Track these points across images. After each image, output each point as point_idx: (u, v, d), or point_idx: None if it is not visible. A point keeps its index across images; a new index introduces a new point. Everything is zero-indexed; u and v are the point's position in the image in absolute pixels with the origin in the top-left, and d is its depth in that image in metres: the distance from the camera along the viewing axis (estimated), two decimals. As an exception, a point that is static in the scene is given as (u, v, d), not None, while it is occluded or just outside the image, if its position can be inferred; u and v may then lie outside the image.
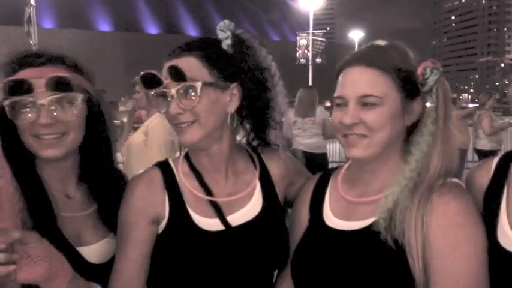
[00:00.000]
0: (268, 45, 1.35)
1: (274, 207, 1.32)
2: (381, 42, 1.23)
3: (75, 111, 1.16)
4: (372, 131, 1.13)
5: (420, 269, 1.07)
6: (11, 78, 1.12)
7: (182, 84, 1.10)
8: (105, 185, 1.28)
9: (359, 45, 29.66)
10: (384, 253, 1.11)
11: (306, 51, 22.59)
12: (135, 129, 3.91)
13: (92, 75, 1.25)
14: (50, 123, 1.14)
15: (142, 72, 1.13)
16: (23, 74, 1.13)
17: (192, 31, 37.17)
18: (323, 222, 1.24)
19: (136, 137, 3.53)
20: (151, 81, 1.15)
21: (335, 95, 1.18)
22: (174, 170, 1.29)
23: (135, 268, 1.21)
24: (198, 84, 1.17)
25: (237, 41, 1.21)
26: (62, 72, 1.15)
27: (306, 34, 22.83)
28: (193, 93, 1.17)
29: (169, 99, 1.12)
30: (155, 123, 3.40)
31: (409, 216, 1.11)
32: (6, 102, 1.11)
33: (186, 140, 1.21)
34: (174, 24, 36.51)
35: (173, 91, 1.10)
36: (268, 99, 1.31)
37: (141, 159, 3.37)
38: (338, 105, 1.19)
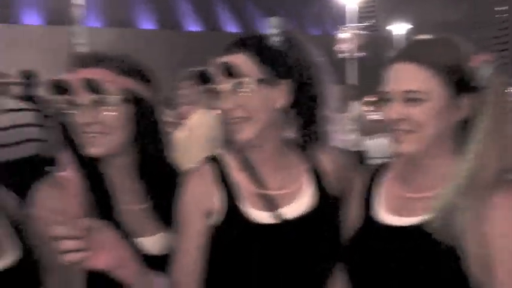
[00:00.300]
0: (308, 40, 1.36)
1: (326, 201, 1.33)
2: (427, 37, 1.21)
3: (113, 113, 1.22)
4: (417, 127, 1.12)
5: (476, 270, 1.05)
6: (53, 78, 1.20)
7: (234, 80, 1.10)
8: (160, 182, 1.32)
9: (403, 38, 28.88)
10: (437, 251, 1.09)
11: (348, 45, 22.22)
12: (179, 125, 3.98)
13: (147, 75, 1.29)
14: (88, 122, 1.20)
15: (197, 69, 1.16)
16: (70, 75, 1.21)
17: (231, 28, 37.33)
18: (375, 217, 1.23)
19: (180, 133, 3.59)
20: (205, 77, 1.19)
21: (382, 90, 1.19)
22: (225, 163, 1.31)
23: (192, 258, 1.25)
24: (250, 81, 1.19)
25: (286, 37, 1.22)
26: (102, 74, 1.21)
27: (347, 28, 22.48)
28: (245, 90, 1.19)
29: (221, 95, 1.12)
30: (197, 119, 3.45)
31: (465, 216, 1.09)
32: (57, 100, 1.19)
33: (241, 139, 1.23)
34: (214, 21, 36.78)
35: (226, 87, 1.11)
36: (317, 95, 1.32)
37: (185, 155, 3.43)
38: (385, 100, 1.19)
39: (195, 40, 30.86)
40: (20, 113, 4.62)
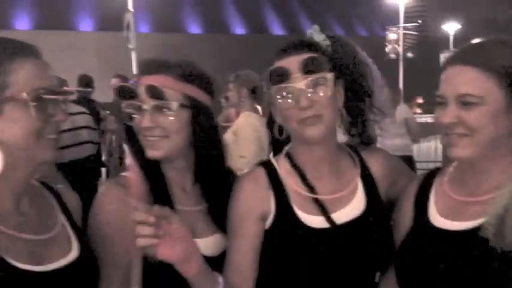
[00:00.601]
0: (355, 41, 1.37)
1: (377, 205, 1.33)
2: (482, 39, 1.19)
3: (172, 118, 1.27)
4: (472, 131, 1.10)
5: None
6: (119, 84, 1.27)
7: (314, 76, 1.12)
8: (215, 185, 1.36)
9: (454, 38, 27.94)
10: (490, 257, 1.07)
11: (396, 46, 21.75)
12: (225, 128, 4.04)
13: (206, 80, 1.33)
14: (150, 126, 1.26)
15: (271, 67, 1.19)
16: (141, 80, 1.28)
17: (277, 30, 37.35)
18: (428, 221, 1.22)
19: (227, 137, 3.64)
20: (280, 75, 1.20)
21: (436, 93, 1.17)
22: (277, 168, 1.33)
23: (246, 260, 1.28)
24: (330, 75, 1.21)
25: (334, 41, 1.25)
26: (164, 81, 1.27)
27: (396, 28, 22.00)
28: (323, 86, 1.20)
29: (296, 93, 1.14)
30: (242, 122, 3.49)
31: None
32: (122, 105, 1.27)
33: (313, 135, 1.24)
34: (260, 24, 36.93)
35: (302, 84, 1.11)
36: (368, 92, 1.32)
37: (232, 158, 3.47)
38: (439, 104, 1.17)
39: (241, 43, 31.13)
40: (79, 116, 4.85)
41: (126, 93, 1.28)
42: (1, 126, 1.06)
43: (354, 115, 1.34)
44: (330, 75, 1.21)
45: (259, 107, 3.75)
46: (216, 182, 1.39)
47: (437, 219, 1.22)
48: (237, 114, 3.76)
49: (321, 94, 1.21)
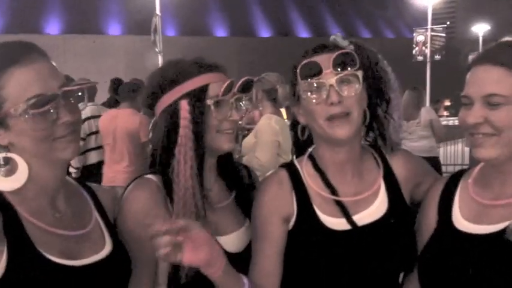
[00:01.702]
0: (382, 43, 1.37)
1: (400, 207, 1.32)
2: (509, 39, 1.17)
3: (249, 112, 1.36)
4: (499, 131, 1.09)
5: None
6: (205, 81, 1.33)
7: (345, 72, 1.13)
8: (239, 177, 1.43)
9: (483, 39, 27.36)
10: None
11: (423, 48, 21.44)
12: (248, 130, 4.06)
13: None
14: (237, 119, 1.34)
15: (303, 61, 1.19)
16: (208, 78, 1.32)
17: (303, 33, 37.28)
18: (452, 224, 1.20)
19: (248, 139, 3.66)
20: (310, 70, 1.21)
21: (462, 93, 1.16)
22: (300, 170, 1.34)
23: (271, 262, 1.28)
24: (360, 73, 1.21)
25: (356, 46, 1.24)
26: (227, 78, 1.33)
27: (423, 30, 21.69)
28: (354, 83, 1.21)
29: (326, 88, 1.15)
30: (262, 125, 3.50)
31: None
32: (208, 102, 1.32)
33: (342, 134, 1.25)
34: (286, 27, 36.93)
35: (332, 80, 1.12)
36: (389, 99, 1.32)
37: (252, 159, 3.49)
38: (465, 104, 1.16)
39: (267, 46, 31.18)
40: (93, 121, 4.94)
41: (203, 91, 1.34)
42: (14, 140, 1.09)
43: (376, 117, 1.34)
44: (360, 73, 1.22)
45: (282, 110, 3.75)
46: (235, 173, 1.45)
47: (461, 222, 1.20)
48: (261, 116, 3.78)
49: (351, 91, 1.21)
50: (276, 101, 3.58)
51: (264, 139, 3.48)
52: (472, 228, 1.17)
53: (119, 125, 4.53)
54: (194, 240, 1.08)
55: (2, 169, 1.11)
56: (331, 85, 1.20)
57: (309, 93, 1.24)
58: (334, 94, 1.20)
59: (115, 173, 4.53)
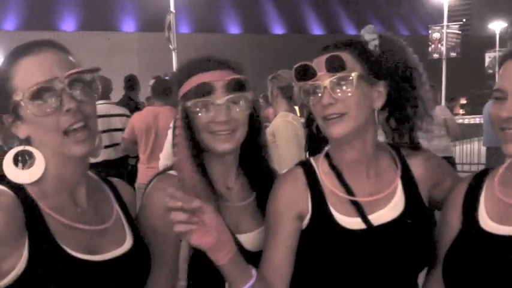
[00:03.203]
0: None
1: (418, 207, 1.30)
2: None
3: (244, 110, 1.31)
4: None
5: None
6: (195, 82, 1.30)
7: (338, 74, 1.13)
8: (262, 176, 1.38)
9: (500, 37, 26.96)
10: None
11: (439, 45, 21.22)
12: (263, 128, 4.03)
13: (248, 77, 1.37)
14: (226, 120, 1.29)
15: (296, 65, 1.20)
16: (204, 77, 1.31)
17: (317, 30, 37.14)
18: (478, 225, 1.18)
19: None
20: (304, 73, 1.21)
21: (495, 87, 1.14)
22: (315, 168, 1.33)
23: (282, 258, 1.28)
24: (354, 75, 1.20)
25: (384, 42, 1.22)
26: (233, 75, 1.31)
27: (439, 27, 21.46)
28: (347, 84, 1.21)
29: (320, 90, 1.15)
30: (279, 122, 3.46)
31: None
32: (189, 103, 1.30)
33: (336, 132, 1.24)
34: (299, 23, 36.83)
35: (326, 82, 1.13)
36: (414, 98, 1.30)
37: (273, 160, 3.45)
38: (497, 98, 1.13)
39: (281, 43, 31.15)
40: (116, 118, 4.98)
41: (200, 90, 1.31)
42: (30, 132, 1.10)
43: (398, 120, 1.32)
44: (354, 74, 1.20)
45: (296, 107, 3.73)
46: (261, 174, 1.42)
47: (487, 223, 1.18)
48: (275, 113, 3.76)
49: (345, 93, 1.20)
50: (291, 99, 3.56)
51: (285, 136, 3.42)
52: (499, 229, 1.15)
53: (161, 122, 4.52)
54: (205, 224, 1.09)
55: (27, 163, 1.12)
56: (325, 87, 1.20)
57: (305, 95, 1.25)
58: (327, 96, 1.20)
59: (155, 170, 4.54)
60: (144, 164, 4.66)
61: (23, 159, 1.13)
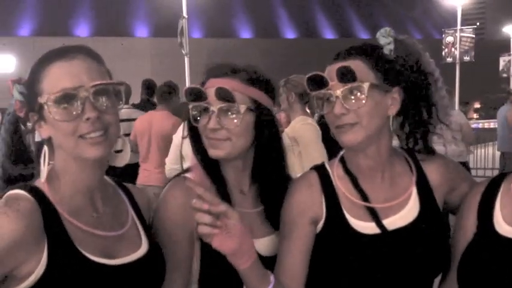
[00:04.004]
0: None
1: (433, 212, 1.29)
2: None
3: (238, 120, 1.30)
4: None
5: None
6: (189, 86, 1.32)
7: (349, 85, 1.13)
8: (273, 187, 1.38)
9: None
10: None
11: (452, 49, 21.05)
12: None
13: (270, 85, 1.36)
14: (216, 128, 1.29)
15: (308, 74, 1.19)
16: (209, 83, 1.32)
17: (328, 34, 37.08)
18: (493, 229, 1.17)
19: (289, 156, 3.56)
20: (317, 83, 1.21)
21: (510, 91, 1.12)
22: (330, 173, 1.33)
23: (298, 263, 1.28)
24: (366, 85, 1.20)
25: (400, 46, 1.20)
26: (231, 84, 1.30)
27: (453, 31, 21.30)
28: (359, 94, 1.20)
29: (333, 100, 1.15)
30: (300, 127, 3.41)
31: None
32: (190, 106, 1.31)
33: (348, 141, 1.24)
34: (311, 28, 36.80)
35: (338, 92, 1.13)
36: (430, 104, 1.29)
37: (291, 167, 3.40)
38: None
39: (292, 47, 31.17)
40: (127, 123, 5.03)
41: (194, 94, 1.31)
42: (50, 132, 1.12)
43: (412, 126, 1.31)
44: (365, 85, 1.19)
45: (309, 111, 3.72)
46: (274, 184, 1.41)
47: (503, 227, 1.17)
48: (287, 118, 3.74)
49: (356, 103, 1.19)
50: (307, 104, 3.54)
51: (310, 139, 3.38)
52: None
53: (154, 127, 4.66)
54: (229, 229, 1.10)
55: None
56: (337, 96, 1.20)
57: (318, 104, 1.25)
58: (339, 106, 1.20)
59: (149, 173, 4.70)
60: (140, 165, 4.78)
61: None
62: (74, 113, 1.08)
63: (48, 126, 1.12)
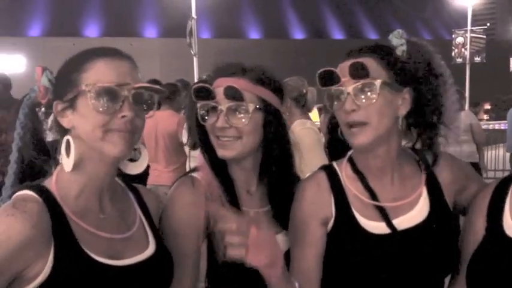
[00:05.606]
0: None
1: (442, 212, 1.29)
2: None
3: (246, 120, 1.31)
4: None
5: None
6: (197, 85, 1.32)
7: (361, 81, 1.13)
8: (281, 186, 1.39)
9: (526, 40, 26.30)
10: None
11: (463, 49, 20.87)
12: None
13: (279, 85, 1.37)
14: (225, 127, 1.29)
15: (320, 70, 1.20)
16: (217, 82, 1.33)
17: (337, 35, 36.94)
18: (503, 231, 1.17)
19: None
20: (328, 79, 1.21)
21: None
22: (339, 172, 1.33)
23: (313, 266, 1.29)
24: (378, 82, 1.20)
25: (411, 47, 1.20)
26: (240, 84, 1.31)
27: (463, 31, 21.12)
28: (371, 91, 1.20)
29: (344, 96, 1.12)
30: (299, 131, 3.42)
31: None
32: (198, 105, 1.32)
33: (358, 143, 1.24)
34: (319, 28, 36.69)
35: (350, 88, 1.11)
36: (439, 105, 1.29)
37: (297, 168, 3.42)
38: None
39: (301, 48, 31.06)
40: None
41: (202, 93, 1.32)
42: (76, 121, 1.14)
43: (422, 123, 1.30)
44: (378, 82, 1.19)
45: (311, 113, 3.69)
46: (282, 184, 1.41)
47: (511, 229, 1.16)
48: (289, 122, 3.73)
49: (367, 99, 1.19)
50: (304, 107, 3.51)
51: (309, 143, 3.37)
52: None
53: (159, 127, 4.67)
54: (258, 241, 1.08)
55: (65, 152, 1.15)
56: (348, 93, 1.20)
57: (329, 100, 1.25)
58: (350, 102, 1.20)
59: (159, 172, 4.73)
60: (150, 165, 4.81)
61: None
62: (112, 108, 1.10)
63: (75, 116, 1.13)
